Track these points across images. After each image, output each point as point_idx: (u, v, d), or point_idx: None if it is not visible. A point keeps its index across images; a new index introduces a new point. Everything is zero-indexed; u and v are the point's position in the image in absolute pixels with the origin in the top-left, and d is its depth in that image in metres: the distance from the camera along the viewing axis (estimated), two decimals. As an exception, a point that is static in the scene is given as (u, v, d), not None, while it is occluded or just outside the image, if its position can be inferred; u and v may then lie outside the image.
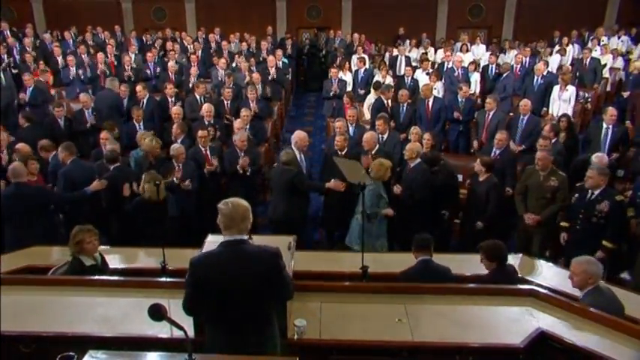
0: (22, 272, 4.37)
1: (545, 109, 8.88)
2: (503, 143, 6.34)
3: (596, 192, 5.03)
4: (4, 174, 5.98)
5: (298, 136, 6.24)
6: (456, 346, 3.21)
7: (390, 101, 8.38)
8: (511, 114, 8.49)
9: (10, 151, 6.35)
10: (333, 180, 5.55)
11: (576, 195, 5.22)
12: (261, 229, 6.15)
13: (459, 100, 8.16)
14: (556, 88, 8.73)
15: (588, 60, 10.85)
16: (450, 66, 10.45)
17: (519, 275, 4.16)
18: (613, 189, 5.37)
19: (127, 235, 5.54)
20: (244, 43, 12.68)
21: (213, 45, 13.04)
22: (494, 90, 9.58)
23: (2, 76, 9.25)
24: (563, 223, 5.37)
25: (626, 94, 9.28)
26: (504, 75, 9.75)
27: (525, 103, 7.42)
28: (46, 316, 3.51)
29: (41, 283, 3.95)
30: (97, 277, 3.99)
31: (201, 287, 2.73)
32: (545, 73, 9.21)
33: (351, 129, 7.39)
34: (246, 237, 2.79)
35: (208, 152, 6.53)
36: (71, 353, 2.40)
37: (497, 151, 6.32)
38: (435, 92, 8.51)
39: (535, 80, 9.19)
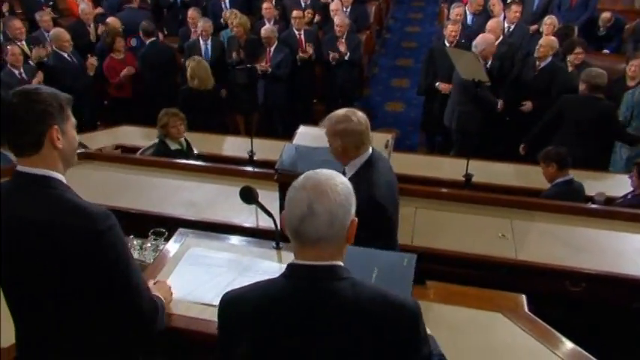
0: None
1: None
2: None
3: None
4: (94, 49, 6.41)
5: (486, 41, 5.33)
6: (567, 270, 3.13)
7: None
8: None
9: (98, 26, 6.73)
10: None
11: None
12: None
13: None
14: None
15: None
16: None
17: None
18: None
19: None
20: None
21: None
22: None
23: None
24: None
25: None
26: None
27: None
28: (134, 193, 3.87)
29: (130, 162, 4.33)
30: (184, 161, 4.30)
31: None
32: None
33: (469, 18, 6.90)
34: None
35: (303, 37, 6.46)
36: (162, 229, 2.65)
37: None
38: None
39: None
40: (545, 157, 3.94)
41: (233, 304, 1.46)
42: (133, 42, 6.03)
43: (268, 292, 1.44)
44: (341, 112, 2.59)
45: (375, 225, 2.53)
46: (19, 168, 1.64)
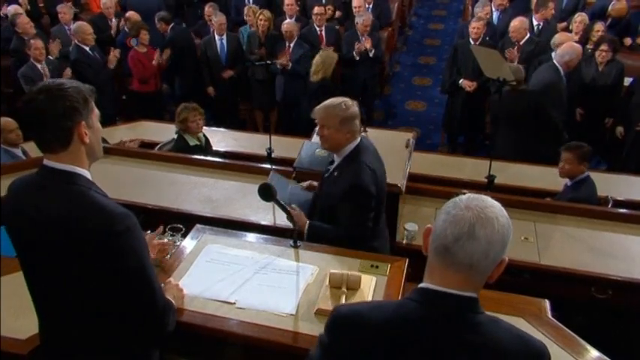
0: (131, 145, 4.86)
1: None
2: None
3: None
4: (115, 42, 6.47)
5: (574, 50, 4.74)
6: (593, 276, 3.08)
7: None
8: None
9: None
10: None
11: None
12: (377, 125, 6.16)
13: None
14: None
15: None
16: None
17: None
18: None
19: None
20: None
21: None
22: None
23: None
24: None
25: None
26: None
27: None
28: (151, 189, 3.90)
29: (148, 157, 4.36)
30: (202, 157, 4.32)
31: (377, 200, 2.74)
32: None
33: (495, 15, 6.83)
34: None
35: (324, 33, 6.47)
36: (179, 225, 2.67)
37: None
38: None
39: None
40: (582, 158, 3.81)
41: (351, 324, 1.34)
42: (133, 42, 6.05)
43: (398, 317, 1.32)
44: (337, 100, 2.65)
45: (360, 211, 2.65)
46: (46, 162, 1.66)
